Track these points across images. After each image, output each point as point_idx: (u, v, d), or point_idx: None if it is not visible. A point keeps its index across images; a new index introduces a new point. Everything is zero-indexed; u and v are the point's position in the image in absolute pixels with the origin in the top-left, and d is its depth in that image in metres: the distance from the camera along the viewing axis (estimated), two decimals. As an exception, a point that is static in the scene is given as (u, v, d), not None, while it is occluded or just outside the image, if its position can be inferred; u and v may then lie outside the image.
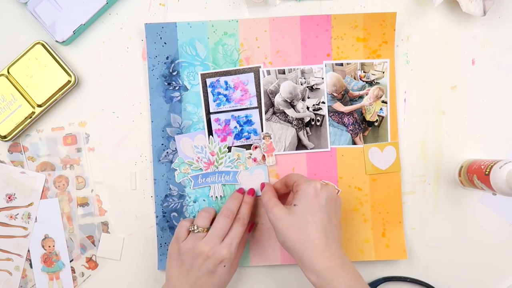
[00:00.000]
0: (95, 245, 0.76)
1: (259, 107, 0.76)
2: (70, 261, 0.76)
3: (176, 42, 0.75)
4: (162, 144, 0.75)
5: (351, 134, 0.76)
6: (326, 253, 0.63)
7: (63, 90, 0.74)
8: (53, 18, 0.74)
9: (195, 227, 0.69)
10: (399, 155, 0.76)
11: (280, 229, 0.65)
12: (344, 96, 0.76)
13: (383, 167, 0.76)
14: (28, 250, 0.75)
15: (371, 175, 0.76)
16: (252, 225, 0.76)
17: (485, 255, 0.77)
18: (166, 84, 0.75)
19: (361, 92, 0.76)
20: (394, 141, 0.76)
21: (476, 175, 0.69)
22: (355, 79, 0.76)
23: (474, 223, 0.77)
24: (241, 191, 0.74)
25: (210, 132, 0.75)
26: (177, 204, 0.76)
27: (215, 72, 0.75)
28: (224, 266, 0.66)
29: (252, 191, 0.74)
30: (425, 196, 0.77)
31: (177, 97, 0.75)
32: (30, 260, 0.76)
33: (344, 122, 0.76)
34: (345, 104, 0.76)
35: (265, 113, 0.76)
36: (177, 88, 0.75)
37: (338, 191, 0.75)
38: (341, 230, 0.67)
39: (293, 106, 0.76)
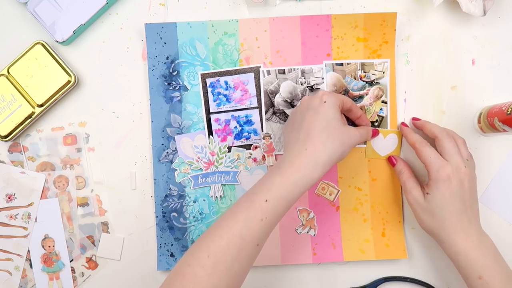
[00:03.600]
0: (95, 245, 0.76)
1: (259, 107, 0.76)
2: (70, 261, 0.76)
3: (176, 42, 0.75)
4: (162, 144, 0.75)
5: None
6: (462, 235, 0.65)
7: (63, 90, 0.74)
8: (53, 18, 0.74)
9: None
10: (400, 144, 0.76)
11: (418, 213, 0.69)
12: (344, 96, 0.76)
13: (383, 154, 0.76)
14: (28, 250, 0.75)
15: (370, 159, 0.76)
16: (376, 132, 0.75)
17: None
18: (166, 84, 0.75)
19: (361, 92, 0.76)
20: (398, 130, 0.76)
21: (497, 117, 0.70)
22: (355, 79, 0.76)
23: (474, 223, 0.77)
24: (374, 132, 0.75)
25: (210, 132, 0.75)
26: (177, 204, 0.76)
27: (215, 72, 0.75)
28: (325, 102, 0.65)
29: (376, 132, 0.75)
30: (425, 196, 0.77)
31: (177, 97, 0.75)
32: (30, 260, 0.76)
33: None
34: (345, 104, 0.76)
35: (265, 113, 0.76)
36: (177, 88, 0.75)
37: (338, 191, 0.75)
38: (477, 207, 0.68)
39: (293, 106, 0.76)
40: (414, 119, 0.74)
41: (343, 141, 0.64)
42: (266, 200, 0.61)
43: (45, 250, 0.76)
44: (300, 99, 0.75)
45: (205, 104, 0.76)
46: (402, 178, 0.72)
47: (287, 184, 0.61)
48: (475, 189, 0.68)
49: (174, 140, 0.75)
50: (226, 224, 0.61)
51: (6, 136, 0.74)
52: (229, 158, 0.75)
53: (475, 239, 0.65)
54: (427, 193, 0.68)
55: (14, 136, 0.74)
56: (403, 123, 0.75)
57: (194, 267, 0.59)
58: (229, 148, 0.76)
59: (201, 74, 0.75)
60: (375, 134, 0.74)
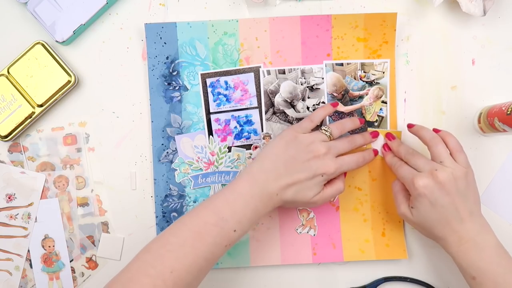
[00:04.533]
0: (95, 245, 0.76)
1: (259, 107, 0.76)
2: (70, 261, 0.76)
3: (176, 42, 0.75)
4: (162, 144, 0.75)
5: (351, 134, 0.76)
6: (454, 239, 0.65)
7: (63, 90, 0.74)
8: (53, 18, 0.74)
9: (328, 129, 0.69)
10: None
11: (410, 224, 0.70)
12: (344, 96, 0.76)
13: (382, 153, 0.76)
14: (28, 250, 0.75)
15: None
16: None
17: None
18: (166, 84, 0.75)
19: (361, 92, 0.76)
20: (398, 130, 0.76)
21: (497, 117, 0.69)
22: (355, 79, 0.76)
23: (474, 223, 0.77)
24: (374, 134, 0.74)
25: (210, 132, 0.75)
26: (177, 204, 0.76)
27: (215, 72, 0.75)
28: (322, 175, 0.66)
29: (376, 151, 0.75)
30: (425, 196, 0.77)
31: (177, 97, 0.75)
32: (30, 260, 0.76)
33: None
34: (345, 104, 0.76)
35: (265, 113, 0.76)
36: (177, 88, 0.75)
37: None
38: (473, 202, 0.66)
39: (293, 106, 0.76)
40: (409, 125, 0.72)
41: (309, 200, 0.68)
42: (235, 230, 0.63)
43: (45, 250, 0.76)
44: (300, 99, 0.75)
45: (205, 104, 0.76)
46: (394, 189, 0.71)
47: (255, 219, 0.65)
48: (464, 185, 0.65)
49: (174, 140, 0.75)
50: (193, 244, 0.61)
51: (6, 136, 0.74)
52: (229, 158, 0.75)
53: (469, 240, 0.64)
54: (412, 207, 0.67)
55: (14, 136, 0.74)
56: (385, 146, 0.74)
57: (155, 279, 0.59)
58: (229, 148, 0.76)
59: (201, 74, 0.75)
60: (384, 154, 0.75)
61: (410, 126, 0.72)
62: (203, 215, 0.63)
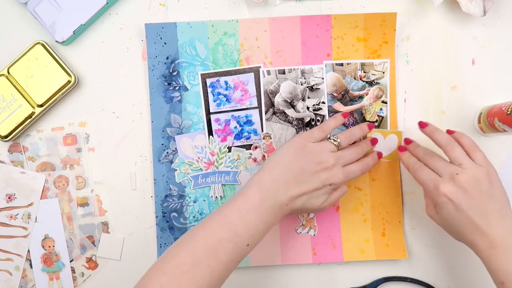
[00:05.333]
0: (95, 245, 0.76)
1: (259, 107, 0.76)
2: (70, 261, 0.76)
3: (176, 42, 0.75)
4: (162, 144, 0.75)
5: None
6: (483, 242, 0.62)
7: (63, 90, 0.74)
8: (53, 18, 0.74)
9: (337, 139, 0.68)
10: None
11: (439, 226, 0.68)
12: (344, 96, 0.76)
13: (383, 154, 0.76)
14: (28, 250, 0.75)
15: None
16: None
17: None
18: (166, 84, 0.75)
19: (361, 92, 0.76)
20: (398, 130, 0.76)
21: (497, 118, 0.69)
22: (355, 79, 0.76)
23: (474, 223, 0.77)
24: (374, 141, 0.73)
25: (210, 132, 0.75)
26: (177, 204, 0.76)
27: (215, 72, 0.75)
28: (330, 185, 0.66)
29: (380, 154, 0.74)
30: (425, 196, 0.77)
31: (177, 97, 0.75)
32: (30, 260, 0.76)
33: (344, 122, 0.75)
34: (345, 104, 0.76)
35: (265, 113, 0.76)
36: (177, 88, 0.75)
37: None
38: (503, 202, 0.63)
39: (293, 106, 0.76)
40: (421, 124, 0.69)
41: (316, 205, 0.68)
42: (248, 245, 0.62)
43: (45, 250, 0.76)
44: (300, 99, 0.75)
45: (205, 104, 0.76)
46: (424, 190, 0.69)
47: (266, 231, 0.64)
48: (487, 185, 0.63)
49: (174, 140, 0.75)
50: (208, 264, 0.60)
51: (6, 136, 0.74)
52: (229, 158, 0.75)
53: (498, 244, 0.61)
54: (437, 211, 0.66)
55: (14, 136, 0.74)
56: (401, 147, 0.72)
57: None
58: (229, 148, 0.76)
59: (201, 74, 0.75)
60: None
61: (422, 125, 0.69)
62: (217, 231, 0.61)
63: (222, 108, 0.76)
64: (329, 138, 0.68)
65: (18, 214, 0.75)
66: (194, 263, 0.59)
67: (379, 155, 0.73)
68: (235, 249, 0.61)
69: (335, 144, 0.68)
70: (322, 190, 0.66)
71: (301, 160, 0.65)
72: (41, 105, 0.74)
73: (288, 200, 0.64)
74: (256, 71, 0.75)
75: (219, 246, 0.60)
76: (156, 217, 0.75)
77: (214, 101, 0.76)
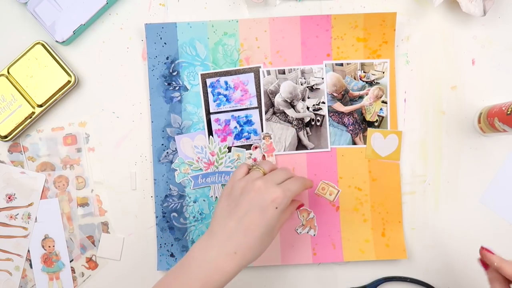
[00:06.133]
0: (95, 245, 0.76)
1: (259, 107, 0.76)
2: (70, 261, 0.76)
3: (176, 42, 0.75)
4: (162, 144, 0.75)
5: (351, 134, 0.76)
6: None
7: (63, 90, 0.74)
8: (53, 18, 0.74)
9: (256, 165, 0.67)
10: (400, 145, 0.76)
11: None
12: (344, 96, 0.76)
13: (383, 154, 0.76)
14: (28, 250, 0.75)
15: (370, 160, 0.76)
16: (300, 205, 0.72)
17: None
18: (166, 84, 0.75)
19: (361, 92, 0.76)
20: (398, 130, 0.76)
21: (498, 117, 0.69)
22: (355, 79, 0.76)
23: (474, 223, 0.77)
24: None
25: (210, 132, 0.75)
26: (177, 204, 0.76)
27: (215, 72, 0.75)
28: (276, 208, 0.61)
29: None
30: (425, 196, 0.77)
31: (177, 97, 0.75)
32: (30, 260, 0.76)
33: (344, 122, 0.76)
34: (345, 104, 0.76)
35: (265, 113, 0.76)
36: (177, 88, 0.75)
37: (338, 191, 0.75)
38: None
39: (293, 106, 0.76)
40: (483, 251, 0.62)
41: (270, 240, 0.64)
42: None
43: (45, 250, 0.76)
44: (300, 99, 0.75)
45: (205, 104, 0.76)
46: (489, 274, 0.62)
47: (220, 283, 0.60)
48: None
49: (174, 140, 0.75)
50: None
51: (6, 136, 0.74)
52: (229, 158, 0.75)
53: None
54: None
55: (14, 136, 0.74)
56: (484, 249, 0.63)
57: None
58: (229, 148, 0.76)
59: (201, 74, 0.75)
60: (299, 207, 0.73)
61: (484, 251, 0.63)
62: None
63: (222, 108, 0.76)
64: (252, 166, 0.67)
65: (18, 214, 0.75)
66: None
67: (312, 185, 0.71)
68: None
69: (258, 169, 0.66)
70: (270, 206, 0.62)
71: (232, 198, 0.63)
72: (41, 105, 0.74)
73: (236, 245, 0.61)
74: (256, 71, 0.75)
75: None
76: (156, 217, 0.75)
77: (214, 101, 0.76)
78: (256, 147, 0.76)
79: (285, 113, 0.76)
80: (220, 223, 0.62)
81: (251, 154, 0.76)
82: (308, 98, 0.76)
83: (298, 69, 0.75)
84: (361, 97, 0.76)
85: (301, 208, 0.76)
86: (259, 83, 0.75)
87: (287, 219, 0.69)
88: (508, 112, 0.67)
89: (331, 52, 0.76)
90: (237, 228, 0.61)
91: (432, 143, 0.77)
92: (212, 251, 0.61)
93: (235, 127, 0.76)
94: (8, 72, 0.74)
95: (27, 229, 0.75)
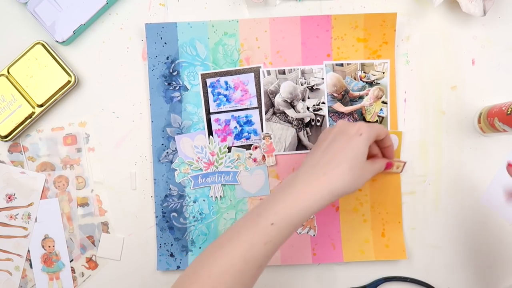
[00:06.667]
0: (95, 245, 0.76)
1: (259, 107, 0.76)
2: (70, 261, 0.76)
3: (176, 42, 0.75)
4: (162, 144, 0.75)
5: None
6: None
7: (63, 90, 0.74)
8: (53, 18, 0.74)
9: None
10: (400, 145, 0.76)
11: None
12: (344, 97, 0.76)
13: None
14: (28, 250, 0.75)
15: None
16: (389, 165, 0.71)
17: (485, 255, 0.77)
18: (166, 84, 0.75)
19: (361, 93, 0.76)
20: (398, 130, 0.76)
21: (498, 118, 0.69)
22: (355, 79, 0.76)
23: (474, 223, 0.77)
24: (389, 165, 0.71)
25: (210, 132, 0.75)
26: (177, 204, 0.76)
27: (215, 72, 0.75)
28: (361, 135, 0.62)
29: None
30: (425, 196, 0.77)
31: (177, 97, 0.75)
32: (30, 260, 0.76)
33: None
34: (345, 105, 0.76)
35: (265, 113, 0.76)
36: (177, 88, 0.75)
37: (404, 163, 0.74)
38: None
39: (293, 107, 0.76)
40: None
41: (361, 176, 0.63)
42: (272, 223, 0.59)
43: (45, 250, 0.76)
44: (301, 99, 0.75)
45: (205, 104, 0.76)
46: None
47: (296, 209, 0.59)
48: None
49: (174, 140, 0.75)
50: (230, 244, 0.59)
51: (6, 136, 0.74)
52: (229, 158, 0.75)
53: None
54: None
55: (14, 136, 0.74)
56: None
57: (195, 285, 0.57)
58: (229, 148, 0.76)
59: (201, 74, 0.75)
60: (388, 167, 0.71)
61: None
62: (243, 218, 0.61)
63: (222, 108, 0.76)
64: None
65: (18, 214, 0.75)
66: (218, 245, 0.60)
67: (389, 164, 0.71)
68: (256, 229, 0.59)
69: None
70: (356, 134, 0.62)
71: (328, 132, 0.65)
72: (41, 105, 0.74)
73: (325, 179, 0.61)
74: (256, 71, 0.75)
75: (241, 228, 0.59)
76: (156, 217, 0.75)
77: (214, 101, 0.76)
78: (256, 147, 0.76)
79: (285, 113, 0.76)
80: (307, 158, 0.63)
81: (251, 154, 0.76)
82: (308, 98, 0.76)
83: (298, 69, 0.75)
84: (361, 98, 0.76)
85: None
86: (259, 83, 0.75)
87: (377, 170, 0.68)
88: (508, 112, 0.67)
89: (331, 52, 0.75)
90: (323, 155, 0.62)
91: (432, 143, 0.77)
92: (300, 177, 0.61)
93: (235, 127, 0.76)
94: (8, 72, 0.74)
95: (27, 229, 0.75)
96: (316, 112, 0.76)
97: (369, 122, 0.76)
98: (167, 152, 0.75)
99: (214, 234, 0.76)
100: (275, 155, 0.75)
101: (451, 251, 0.77)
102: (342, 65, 0.75)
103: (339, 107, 0.76)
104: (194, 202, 0.76)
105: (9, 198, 0.75)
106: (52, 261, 0.76)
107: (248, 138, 0.76)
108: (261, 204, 0.61)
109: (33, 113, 0.74)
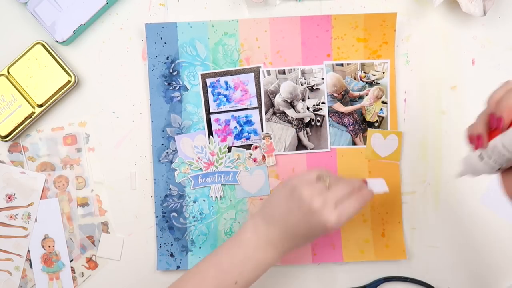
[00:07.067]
0: (95, 245, 0.76)
1: (259, 107, 0.76)
2: (70, 261, 0.76)
3: (176, 42, 0.75)
4: (162, 144, 0.75)
5: (351, 135, 0.76)
6: None
7: (63, 90, 0.74)
8: (53, 18, 0.74)
9: (325, 176, 0.64)
10: (400, 146, 0.76)
11: None
12: (344, 97, 0.76)
13: (383, 154, 0.76)
14: (28, 250, 0.75)
15: (370, 160, 0.76)
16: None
17: (485, 255, 0.77)
18: (166, 84, 0.75)
19: (361, 93, 0.76)
20: (398, 130, 0.76)
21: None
22: (355, 79, 0.76)
23: (474, 223, 0.77)
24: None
25: (210, 132, 0.75)
26: (177, 204, 0.76)
27: (215, 72, 0.75)
28: (326, 229, 0.62)
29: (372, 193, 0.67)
30: (425, 196, 0.77)
31: (177, 97, 0.75)
32: (30, 260, 0.76)
33: (344, 122, 0.76)
34: (345, 105, 0.76)
35: (265, 113, 0.76)
36: (177, 88, 0.75)
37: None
38: None
39: (293, 107, 0.76)
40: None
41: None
42: (236, 282, 0.62)
43: (45, 250, 0.76)
44: (301, 99, 0.75)
45: (205, 104, 0.76)
46: None
47: (261, 269, 0.64)
48: None
49: (174, 140, 0.75)
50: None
51: (6, 136, 0.74)
52: (229, 158, 0.75)
53: None
54: None
55: (14, 136, 0.74)
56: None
57: None
58: (229, 148, 0.76)
59: (201, 74, 0.75)
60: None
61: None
62: (204, 269, 0.63)
63: (222, 108, 0.76)
64: (322, 179, 0.64)
65: (18, 214, 0.75)
66: None
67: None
68: (220, 286, 0.62)
69: (325, 183, 0.64)
70: (318, 227, 0.62)
71: (290, 202, 0.63)
72: (41, 105, 0.74)
73: (280, 241, 0.64)
74: (256, 71, 0.75)
75: (204, 283, 0.62)
76: (156, 217, 0.75)
77: (214, 101, 0.76)
78: (256, 147, 0.76)
79: (285, 113, 0.76)
80: (274, 215, 0.64)
81: (251, 154, 0.76)
82: (308, 98, 0.76)
83: (298, 69, 0.75)
84: (361, 98, 0.76)
85: None
86: (259, 83, 0.75)
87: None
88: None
89: (331, 52, 0.76)
90: (286, 231, 0.63)
91: (432, 143, 0.77)
92: (262, 238, 0.64)
93: (235, 127, 0.76)
94: (8, 72, 0.74)
95: (27, 229, 0.75)
96: (316, 112, 0.76)
97: (368, 122, 0.76)
98: (167, 152, 0.75)
99: (214, 234, 0.76)
100: (275, 155, 0.75)
101: (451, 251, 0.77)
102: (342, 65, 0.75)
103: (339, 107, 0.76)
104: (194, 202, 0.76)
105: (9, 198, 0.75)
106: (52, 261, 0.76)
107: (248, 138, 0.76)
108: (225, 257, 0.64)
109: (33, 113, 0.74)
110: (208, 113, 0.76)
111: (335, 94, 0.76)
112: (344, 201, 0.62)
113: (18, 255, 0.75)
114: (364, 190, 0.65)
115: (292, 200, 0.63)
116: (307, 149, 0.76)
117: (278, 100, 0.76)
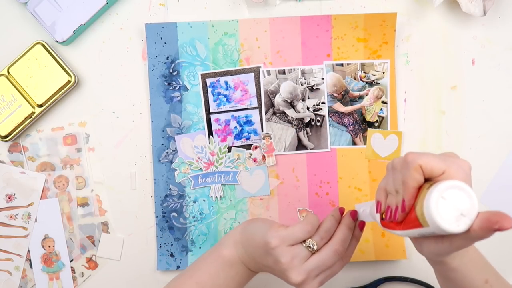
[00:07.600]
0: (95, 245, 0.76)
1: (259, 107, 0.76)
2: (70, 261, 0.76)
3: (176, 42, 0.75)
4: (162, 144, 0.75)
5: (351, 135, 0.76)
6: None
7: (63, 90, 0.74)
8: (53, 18, 0.74)
9: (312, 245, 0.60)
10: (400, 146, 0.76)
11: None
12: (344, 97, 0.76)
13: (383, 154, 0.76)
14: (28, 250, 0.75)
15: (370, 160, 0.76)
16: (363, 225, 0.64)
17: (485, 255, 0.77)
18: (166, 84, 0.75)
19: (361, 93, 0.76)
20: (398, 130, 0.76)
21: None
22: (355, 79, 0.76)
23: (474, 223, 0.77)
24: (341, 210, 0.64)
25: (210, 132, 0.75)
26: (177, 204, 0.76)
27: (215, 72, 0.75)
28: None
29: (354, 214, 0.63)
30: (425, 196, 0.77)
31: (177, 97, 0.75)
32: (30, 260, 0.76)
33: (344, 122, 0.76)
34: (345, 105, 0.76)
35: (265, 113, 0.76)
36: (177, 88, 0.75)
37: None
38: None
39: (293, 107, 0.76)
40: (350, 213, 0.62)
41: None
42: None
43: (45, 250, 0.76)
44: (301, 99, 0.75)
45: (205, 104, 0.76)
46: None
47: (238, 282, 0.65)
48: None
49: (174, 140, 0.75)
50: None
51: (6, 136, 0.74)
52: (229, 158, 0.75)
53: None
54: None
55: (14, 136, 0.74)
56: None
57: None
58: (229, 148, 0.76)
59: (201, 74, 0.75)
60: (361, 227, 0.65)
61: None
62: (185, 286, 0.63)
63: (222, 108, 0.76)
64: (305, 244, 0.60)
65: (18, 214, 0.75)
66: None
67: (353, 214, 0.63)
68: None
69: (310, 250, 0.60)
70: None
71: (268, 258, 0.61)
72: (41, 105, 0.74)
73: (256, 268, 0.65)
74: (256, 71, 0.75)
75: None
76: (156, 217, 0.75)
77: (214, 101, 0.76)
78: (256, 147, 0.76)
79: (285, 113, 0.76)
80: (251, 252, 0.63)
81: (251, 154, 0.76)
82: (308, 98, 0.76)
83: (298, 69, 0.75)
84: (361, 98, 0.76)
85: (300, 208, 0.76)
86: (259, 83, 0.75)
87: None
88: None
89: (331, 52, 0.76)
90: (260, 268, 0.65)
91: (432, 143, 0.77)
92: (239, 258, 0.64)
93: (235, 127, 0.76)
94: (8, 72, 0.74)
95: (27, 229, 0.75)
96: (316, 112, 0.76)
97: (368, 122, 0.76)
98: (167, 152, 0.75)
99: (214, 234, 0.76)
100: (275, 155, 0.75)
101: (451, 251, 0.77)
102: (342, 65, 0.75)
103: (339, 107, 0.76)
104: (194, 202, 0.76)
105: (9, 198, 0.75)
106: (52, 261, 0.76)
107: (248, 138, 0.76)
108: (206, 275, 0.64)
109: (33, 113, 0.74)
110: (208, 113, 0.76)
111: (335, 94, 0.76)
112: (323, 275, 0.61)
113: (18, 255, 0.75)
114: (345, 259, 0.63)
115: (270, 256, 0.61)
116: (307, 149, 0.76)
117: (278, 100, 0.76)
